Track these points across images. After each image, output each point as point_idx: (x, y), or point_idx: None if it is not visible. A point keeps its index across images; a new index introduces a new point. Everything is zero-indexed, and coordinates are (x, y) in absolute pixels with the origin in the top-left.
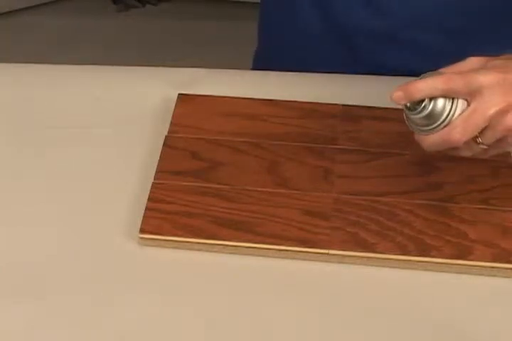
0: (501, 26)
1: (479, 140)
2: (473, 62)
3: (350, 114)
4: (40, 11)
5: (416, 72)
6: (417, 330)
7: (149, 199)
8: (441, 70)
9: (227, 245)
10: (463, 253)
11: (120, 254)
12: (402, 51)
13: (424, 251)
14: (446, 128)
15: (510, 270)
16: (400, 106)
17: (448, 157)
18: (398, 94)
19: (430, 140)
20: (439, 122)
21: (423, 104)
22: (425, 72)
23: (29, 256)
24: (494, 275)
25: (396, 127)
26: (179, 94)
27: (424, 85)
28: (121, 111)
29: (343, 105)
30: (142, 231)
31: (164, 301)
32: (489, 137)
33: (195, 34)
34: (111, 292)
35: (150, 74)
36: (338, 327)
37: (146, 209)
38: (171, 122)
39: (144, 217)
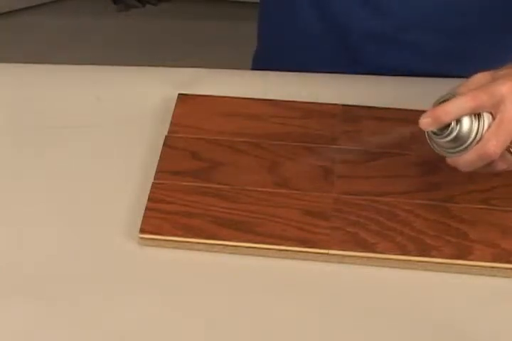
0: (501, 26)
1: None
2: (479, 78)
3: (350, 114)
4: (40, 11)
5: (416, 72)
6: (417, 330)
7: (149, 199)
8: (450, 91)
9: (227, 245)
10: (463, 253)
11: (120, 254)
12: (402, 51)
13: (424, 251)
14: (479, 144)
15: (510, 270)
16: (400, 106)
17: None
18: (426, 120)
19: (466, 159)
20: (469, 140)
21: (450, 127)
22: (425, 73)
23: (29, 256)
24: (494, 275)
25: (396, 127)
26: (179, 94)
27: (451, 107)
28: (121, 111)
29: (343, 105)
30: (142, 231)
31: (164, 301)
32: None
33: (195, 34)
34: (111, 292)
35: (150, 74)
36: (338, 327)
37: (146, 209)
38: (171, 122)
39: (144, 217)
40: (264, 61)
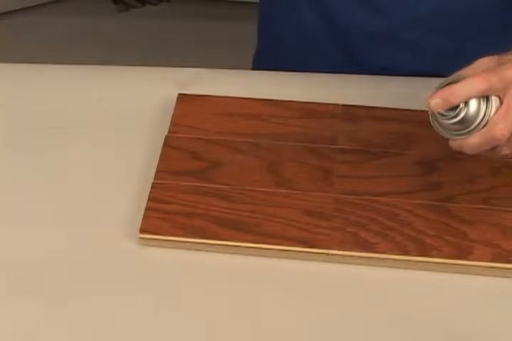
0: (501, 26)
1: None
2: (484, 62)
3: (350, 114)
4: (40, 11)
5: (415, 72)
6: (417, 330)
7: (149, 199)
8: (457, 74)
9: (227, 245)
10: (463, 253)
11: (120, 254)
12: (402, 51)
13: (424, 251)
14: (486, 127)
15: (510, 270)
16: (400, 106)
17: (448, 157)
18: (436, 101)
19: (472, 142)
20: (476, 123)
21: (458, 109)
22: (425, 73)
23: (29, 256)
24: (494, 275)
25: (396, 127)
26: (179, 94)
27: (462, 88)
28: (121, 111)
29: (343, 105)
30: (142, 231)
31: (164, 301)
32: None
33: (195, 34)
34: (111, 292)
35: (150, 74)
36: (338, 326)
37: (146, 209)
38: (171, 122)
39: (144, 217)
40: (264, 61)
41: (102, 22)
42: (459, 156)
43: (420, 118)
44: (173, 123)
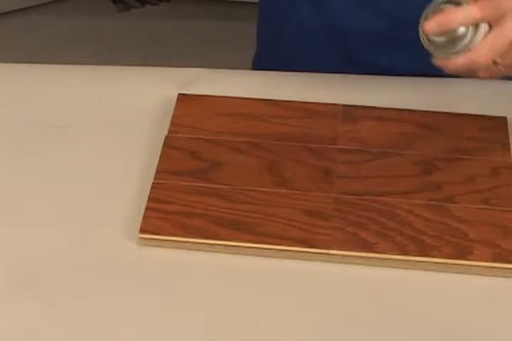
0: None
1: (498, 61)
2: None
3: (350, 114)
4: (40, 11)
5: (416, 73)
6: (417, 330)
7: (149, 199)
8: None
9: (227, 245)
10: (463, 253)
11: (120, 254)
12: (402, 51)
13: (424, 251)
14: (472, 51)
15: (510, 270)
16: (400, 106)
17: (448, 157)
18: (431, 26)
19: (455, 62)
20: (462, 45)
21: None
22: (425, 73)
23: (29, 256)
24: (494, 275)
25: (396, 127)
26: (179, 94)
27: (458, 15)
28: (121, 111)
29: (343, 105)
30: (142, 231)
31: (164, 301)
32: (508, 59)
33: (195, 34)
34: (111, 292)
35: (150, 74)
36: (338, 327)
37: (146, 209)
38: (171, 122)
39: (144, 217)
40: (264, 61)
41: (102, 22)
42: (458, 156)
43: (420, 119)
44: (173, 123)
